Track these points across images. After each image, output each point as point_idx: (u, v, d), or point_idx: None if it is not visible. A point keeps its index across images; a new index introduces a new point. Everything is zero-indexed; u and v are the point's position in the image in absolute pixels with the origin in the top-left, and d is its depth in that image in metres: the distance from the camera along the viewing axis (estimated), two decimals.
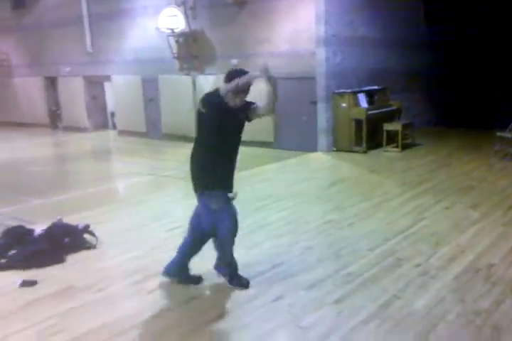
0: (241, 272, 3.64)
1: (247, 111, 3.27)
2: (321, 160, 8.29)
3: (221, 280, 3.52)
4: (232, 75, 3.20)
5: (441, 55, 11.27)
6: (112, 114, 13.44)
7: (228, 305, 3.21)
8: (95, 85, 13.50)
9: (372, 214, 5.03)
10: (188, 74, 10.73)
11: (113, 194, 6.94)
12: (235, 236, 3.37)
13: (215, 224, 3.28)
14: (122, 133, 12.49)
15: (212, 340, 2.82)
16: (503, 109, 9.71)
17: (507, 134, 7.58)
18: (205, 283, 3.52)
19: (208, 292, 3.44)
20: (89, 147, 11.90)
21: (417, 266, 3.71)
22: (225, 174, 3.27)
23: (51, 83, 14.42)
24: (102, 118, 13.88)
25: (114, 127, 13.21)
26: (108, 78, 12.52)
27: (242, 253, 3.84)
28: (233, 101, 3.12)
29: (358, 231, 4.54)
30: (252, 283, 3.45)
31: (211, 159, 3.20)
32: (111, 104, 13.39)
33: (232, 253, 3.44)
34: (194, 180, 3.36)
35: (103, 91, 13.72)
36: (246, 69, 3.34)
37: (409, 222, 4.74)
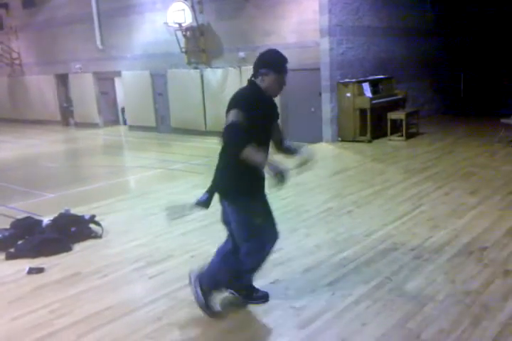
0: None
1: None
2: (325, 150, 8.35)
3: None
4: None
5: (449, 41, 11.21)
6: (123, 110, 13.66)
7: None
8: (106, 81, 13.72)
9: (372, 201, 5.11)
10: (196, 68, 10.86)
11: (122, 187, 7.11)
12: None
13: None
14: (132, 128, 12.69)
15: (208, 318, 2.94)
16: (509, 95, 9.66)
17: (510, 121, 7.56)
18: None
19: None
20: (100, 142, 12.14)
21: (412, 249, 3.79)
22: None
23: (62, 80, 14.69)
24: (112, 114, 14.11)
25: (125, 122, 13.42)
26: (118, 74, 12.71)
27: None
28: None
29: (356, 218, 4.63)
30: None
31: None
32: (121, 99, 13.61)
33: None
34: None
35: (113, 87, 13.94)
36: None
37: (407, 208, 4.82)
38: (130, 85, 12.47)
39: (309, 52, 8.77)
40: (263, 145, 2.77)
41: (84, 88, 13.84)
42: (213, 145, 9.54)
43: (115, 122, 14.10)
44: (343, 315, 2.89)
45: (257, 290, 3.13)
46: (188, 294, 3.22)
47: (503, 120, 7.66)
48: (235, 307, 3.06)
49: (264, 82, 2.74)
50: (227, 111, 2.68)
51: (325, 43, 8.50)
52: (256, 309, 3.03)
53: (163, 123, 11.86)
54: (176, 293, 3.28)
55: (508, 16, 10.62)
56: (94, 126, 13.79)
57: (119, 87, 13.50)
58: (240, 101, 2.70)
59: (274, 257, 3.73)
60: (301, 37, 8.93)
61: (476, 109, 10.69)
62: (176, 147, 10.16)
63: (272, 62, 2.74)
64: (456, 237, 3.98)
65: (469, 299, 2.98)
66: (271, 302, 3.09)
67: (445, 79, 11.32)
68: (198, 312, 2.99)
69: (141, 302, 3.18)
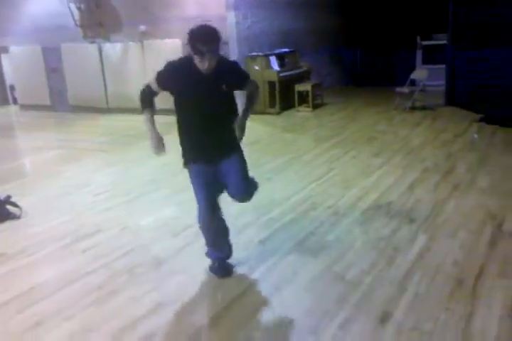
0: (173, 225, 3.90)
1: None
2: None
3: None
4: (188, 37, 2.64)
5: (347, 15, 11.79)
6: (12, 88, 12.66)
7: (162, 254, 3.44)
8: None
9: (288, 168, 5.42)
10: (93, 42, 10.37)
11: (26, 168, 6.69)
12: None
13: None
14: (24, 107, 11.78)
15: (144, 287, 3.05)
16: (401, 66, 10.50)
17: (404, 90, 8.29)
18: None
19: (138, 247, 3.63)
20: None
21: (329, 207, 4.15)
22: None
23: None
24: (0, 93, 13.06)
25: (15, 102, 12.45)
26: (5, 49, 11.75)
27: (174, 208, 4.23)
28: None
29: (275, 184, 4.90)
30: (183, 234, 3.73)
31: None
32: (9, 77, 12.61)
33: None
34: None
35: (0, 63, 12.89)
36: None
37: (321, 171, 5.19)
38: (19, 61, 11.54)
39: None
40: (201, 119, 2.81)
41: None
42: (117, 122, 9.39)
43: (4, 102, 13.01)
44: (275, 267, 3.16)
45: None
46: (125, 264, 3.31)
47: (397, 89, 8.36)
48: (176, 270, 3.21)
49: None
50: None
51: (231, 17, 8.58)
52: (198, 268, 3.19)
53: (60, 102, 11.21)
54: (113, 264, 3.34)
55: None
56: None
57: (7, 64, 12.49)
58: (159, 71, 2.82)
59: None
60: (204, 10, 8.87)
61: (372, 79, 11.48)
62: (76, 126, 9.50)
63: (188, 38, 2.61)
64: (366, 194, 4.42)
65: (382, 244, 3.39)
66: (205, 264, 3.23)
67: (344, 52, 11.95)
68: (139, 278, 3.10)
69: (78, 274, 3.21)
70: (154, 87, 2.87)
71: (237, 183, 3.01)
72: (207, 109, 2.81)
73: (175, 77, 2.76)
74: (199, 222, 3.05)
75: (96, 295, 2.92)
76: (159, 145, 2.91)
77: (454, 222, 3.73)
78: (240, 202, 3.17)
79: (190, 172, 2.98)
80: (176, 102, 2.86)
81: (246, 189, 3.08)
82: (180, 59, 2.83)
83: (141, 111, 2.95)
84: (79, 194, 4.99)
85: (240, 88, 3.00)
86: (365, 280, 2.92)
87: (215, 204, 3.02)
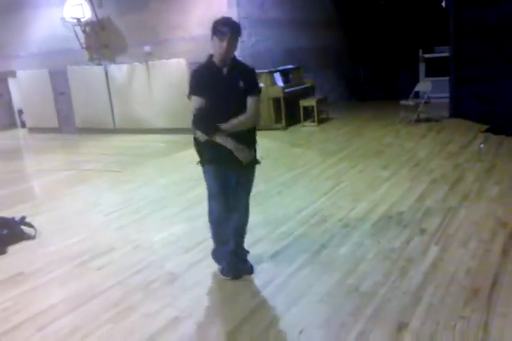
0: (185, 241, 3.95)
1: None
2: None
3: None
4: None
5: (348, 31, 11.98)
6: (20, 112, 12.86)
7: (176, 269, 3.47)
8: None
9: (297, 182, 5.47)
10: (99, 64, 10.57)
11: (37, 190, 6.77)
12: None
13: None
14: (33, 130, 11.97)
15: (160, 302, 3.08)
16: (405, 80, 10.60)
17: (409, 102, 8.37)
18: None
19: (152, 263, 3.67)
20: None
21: (340, 220, 4.18)
22: None
23: None
24: (8, 117, 13.22)
25: (23, 125, 12.63)
26: (12, 74, 11.98)
27: (185, 225, 4.28)
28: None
29: (286, 198, 4.95)
30: (196, 250, 3.76)
31: None
32: (17, 101, 12.83)
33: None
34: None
35: (7, 88, 13.11)
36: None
37: (329, 185, 5.23)
38: (27, 85, 11.79)
39: None
40: (223, 119, 2.89)
41: None
42: (124, 143, 9.49)
43: (12, 125, 13.21)
44: (290, 280, 3.18)
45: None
46: (140, 280, 3.34)
47: (402, 102, 8.44)
48: (189, 284, 3.23)
49: (212, 49, 2.93)
50: None
51: None
52: (212, 284, 3.23)
53: (67, 124, 11.37)
54: (128, 281, 3.36)
55: (397, 7, 11.60)
56: None
57: (14, 88, 12.72)
58: (190, 82, 2.98)
59: None
60: (208, 30, 9.03)
61: (376, 94, 11.59)
62: (84, 147, 9.62)
63: (212, 26, 2.88)
64: (376, 206, 4.44)
65: (395, 255, 3.41)
66: (219, 278, 3.28)
67: (346, 68, 12.10)
68: (154, 294, 3.13)
69: (94, 291, 3.23)
70: (199, 101, 2.89)
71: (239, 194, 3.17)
72: (229, 107, 2.92)
73: (203, 81, 2.93)
74: (209, 215, 3.21)
75: (113, 312, 2.95)
76: (246, 153, 2.99)
77: (465, 231, 3.74)
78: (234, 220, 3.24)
79: (204, 171, 3.12)
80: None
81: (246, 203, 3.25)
82: (201, 65, 3.00)
83: (212, 136, 2.90)
84: (90, 213, 5.05)
85: (247, 94, 2.97)
86: (380, 291, 2.93)
87: (228, 197, 3.13)
